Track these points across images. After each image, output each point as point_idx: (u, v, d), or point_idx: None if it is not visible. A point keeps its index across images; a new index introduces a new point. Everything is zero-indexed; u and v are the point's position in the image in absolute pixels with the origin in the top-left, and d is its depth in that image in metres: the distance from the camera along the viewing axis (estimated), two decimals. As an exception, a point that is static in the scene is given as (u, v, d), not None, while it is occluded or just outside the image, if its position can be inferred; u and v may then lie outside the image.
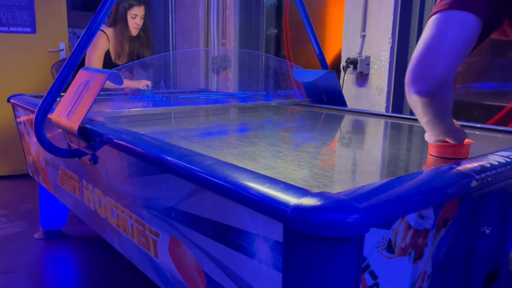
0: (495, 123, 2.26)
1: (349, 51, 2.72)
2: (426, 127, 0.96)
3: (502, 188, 1.00)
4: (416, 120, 1.80)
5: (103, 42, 2.65)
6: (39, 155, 2.05)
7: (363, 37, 2.62)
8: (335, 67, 2.99)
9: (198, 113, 2.09)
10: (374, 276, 0.75)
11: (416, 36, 2.52)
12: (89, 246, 2.33)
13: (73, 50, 1.50)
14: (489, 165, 0.95)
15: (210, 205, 0.91)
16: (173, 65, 4.31)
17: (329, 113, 2.12)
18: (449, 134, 1.00)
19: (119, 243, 1.42)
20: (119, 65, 2.69)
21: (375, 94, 2.61)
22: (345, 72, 2.70)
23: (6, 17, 3.36)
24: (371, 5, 2.56)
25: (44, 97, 1.51)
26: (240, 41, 3.82)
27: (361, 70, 2.61)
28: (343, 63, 2.74)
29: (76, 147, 1.49)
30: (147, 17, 2.76)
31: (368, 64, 2.61)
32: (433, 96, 0.81)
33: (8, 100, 2.24)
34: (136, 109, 1.78)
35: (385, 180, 0.83)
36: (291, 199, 0.70)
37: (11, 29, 3.39)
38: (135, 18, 2.66)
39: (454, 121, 0.99)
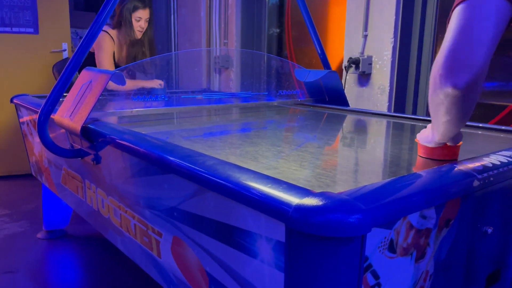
0: (497, 123, 2.25)
1: (351, 51, 2.72)
2: (442, 127, 0.92)
3: (504, 188, 1.00)
4: (418, 120, 1.80)
5: (109, 43, 2.64)
6: (42, 155, 2.06)
7: (365, 36, 2.62)
8: (337, 66, 2.99)
9: (200, 113, 2.09)
10: (376, 275, 0.76)
11: (418, 35, 2.52)
12: (92, 245, 2.34)
13: (76, 50, 1.51)
14: (491, 165, 0.95)
15: (212, 205, 0.91)
16: (175, 65, 4.32)
17: (331, 113, 2.12)
18: (457, 135, 0.99)
19: (122, 243, 1.42)
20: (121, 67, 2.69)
21: (377, 94, 2.61)
22: (347, 72, 2.70)
23: (9, 17, 3.37)
24: (373, 4, 2.56)
25: (47, 97, 1.51)
26: (242, 41, 3.82)
27: (363, 69, 2.61)
28: (345, 62, 2.74)
29: (79, 147, 1.50)
30: (150, 24, 2.75)
31: (370, 64, 2.61)
32: (469, 89, 0.78)
33: (11, 101, 2.24)
34: (138, 109, 1.79)
35: (387, 180, 0.83)
36: (293, 199, 0.71)
37: (13, 29, 3.40)
38: (140, 21, 2.66)
39: None
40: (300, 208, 0.68)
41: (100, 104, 1.64)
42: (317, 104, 2.28)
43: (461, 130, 1.00)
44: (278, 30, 3.72)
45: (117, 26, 2.67)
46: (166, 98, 2.18)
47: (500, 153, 1.05)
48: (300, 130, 1.78)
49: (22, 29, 3.43)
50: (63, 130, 1.59)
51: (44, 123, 1.50)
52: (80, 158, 1.54)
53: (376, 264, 0.75)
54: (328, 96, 2.29)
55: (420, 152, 1.11)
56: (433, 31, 2.50)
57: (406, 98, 2.63)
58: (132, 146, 1.18)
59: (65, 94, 1.57)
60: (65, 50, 3.58)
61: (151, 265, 1.24)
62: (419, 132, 1.12)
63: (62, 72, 1.51)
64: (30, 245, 2.33)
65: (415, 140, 1.13)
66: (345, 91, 2.35)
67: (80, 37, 4.66)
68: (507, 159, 1.01)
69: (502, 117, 2.26)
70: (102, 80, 1.47)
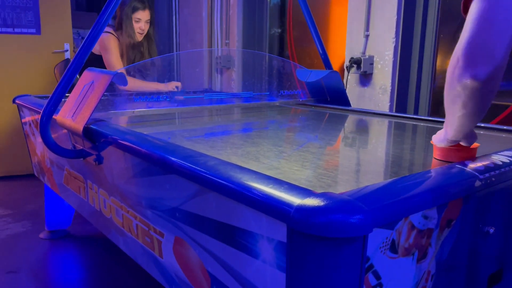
0: (499, 123, 2.25)
1: (352, 51, 2.72)
2: (457, 122, 0.90)
3: (506, 188, 0.99)
4: (419, 120, 1.80)
5: (114, 43, 2.63)
6: (44, 156, 2.07)
7: (367, 36, 2.62)
8: (339, 66, 2.99)
9: (201, 113, 2.09)
10: (377, 276, 0.76)
11: (420, 35, 2.52)
12: (94, 246, 2.34)
13: (78, 51, 1.51)
14: (493, 165, 0.95)
15: (214, 205, 0.92)
16: (176, 66, 4.32)
17: (332, 113, 2.12)
18: (471, 134, 0.97)
19: (124, 243, 1.42)
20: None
21: (378, 94, 2.61)
22: (348, 72, 2.70)
23: (11, 18, 3.38)
24: (375, 4, 2.56)
25: (49, 98, 1.52)
26: (244, 41, 3.82)
27: (364, 69, 2.61)
28: (346, 62, 2.74)
29: (81, 147, 1.50)
30: (152, 25, 2.73)
31: (372, 64, 2.61)
32: (488, 81, 0.77)
33: (14, 101, 2.25)
34: (140, 110, 1.79)
35: (389, 180, 0.83)
36: (295, 200, 0.71)
37: (16, 30, 3.41)
38: (139, 22, 2.63)
39: None
40: (301, 209, 0.68)
41: (102, 104, 1.64)
42: (318, 104, 2.28)
43: None
44: (279, 30, 3.72)
45: (119, 27, 2.67)
46: (168, 98, 2.18)
47: (502, 153, 1.05)
48: (301, 130, 1.78)
49: (24, 30, 3.44)
50: (65, 131, 1.59)
51: (46, 124, 1.51)
52: (82, 159, 1.54)
53: (377, 264, 0.75)
54: (329, 96, 2.29)
55: (436, 154, 1.07)
56: (434, 30, 2.49)
57: (408, 98, 2.62)
58: (134, 146, 1.18)
59: (67, 94, 1.58)
60: (67, 50, 3.58)
61: (153, 265, 1.24)
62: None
63: (64, 72, 1.52)
64: (32, 245, 2.33)
65: (431, 142, 1.10)
66: (346, 91, 2.35)
67: (82, 38, 4.67)
68: (509, 159, 1.00)
69: (504, 117, 2.26)
70: (104, 81, 1.47)
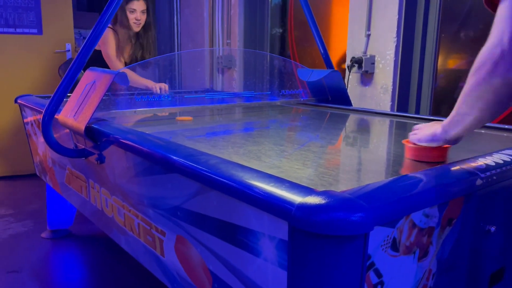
0: (500, 122, 2.25)
1: (354, 50, 2.72)
2: (475, 120, 0.86)
3: (507, 187, 1.00)
4: (421, 119, 1.80)
5: (112, 36, 2.61)
6: (46, 155, 2.07)
7: (368, 36, 2.62)
8: (340, 66, 2.99)
9: (203, 113, 2.10)
10: (378, 274, 0.76)
11: (421, 35, 2.52)
12: (96, 245, 2.35)
13: (79, 50, 1.51)
14: (494, 164, 0.95)
15: (215, 204, 0.92)
16: (178, 65, 4.33)
17: (334, 112, 2.12)
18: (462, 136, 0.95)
19: (125, 242, 1.43)
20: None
21: (380, 93, 2.61)
22: (350, 71, 2.70)
23: (13, 18, 3.39)
24: (376, 4, 2.56)
25: (51, 97, 1.52)
26: (245, 41, 3.82)
27: (366, 69, 2.61)
28: (348, 62, 2.74)
29: (83, 147, 1.51)
30: (154, 23, 2.72)
31: (373, 63, 2.61)
32: None
33: (16, 101, 2.26)
34: (141, 109, 1.79)
35: (390, 178, 0.83)
36: (296, 198, 0.71)
37: (17, 30, 3.42)
38: (134, 12, 2.59)
39: None
40: (303, 207, 0.69)
41: (104, 104, 1.64)
42: (320, 103, 2.28)
43: None
44: (281, 30, 3.72)
45: (115, 20, 2.64)
46: (169, 98, 2.19)
47: (503, 152, 1.05)
48: (303, 130, 1.78)
49: (26, 30, 3.44)
50: (67, 130, 1.60)
51: (48, 123, 1.51)
52: (84, 158, 1.54)
53: (378, 262, 0.75)
54: (331, 96, 2.29)
55: (410, 154, 1.07)
56: (436, 30, 2.49)
57: (409, 98, 2.62)
58: (136, 145, 1.18)
59: (69, 94, 1.58)
60: (68, 50, 3.59)
61: (154, 264, 1.24)
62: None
63: (66, 72, 1.52)
64: (34, 244, 2.34)
65: (404, 142, 1.09)
66: (348, 90, 2.35)
67: (84, 38, 4.68)
68: (510, 158, 1.01)
69: (505, 116, 2.25)
70: (106, 80, 1.48)
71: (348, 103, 2.23)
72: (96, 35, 1.51)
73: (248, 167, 0.89)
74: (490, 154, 1.02)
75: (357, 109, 2.14)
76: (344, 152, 1.38)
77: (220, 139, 1.52)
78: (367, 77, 2.67)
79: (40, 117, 1.63)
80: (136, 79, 2.50)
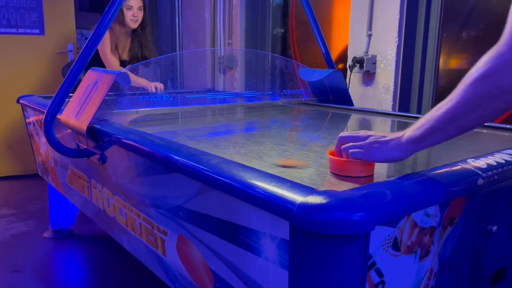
0: (502, 122, 2.24)
1: (355, 50, 2.71)
2: (461, 128, 0.77)
3: (509, 186, 0.99)
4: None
5: (107, 33, 2.61)
6: (48, 155, 2.08)
7: (369, 36, 2.62)
8: (341, 65, 2.99)
9: (205, 112, 2.10)
10: (380, 273, 0.76)
11: (423, 34, 2.52)
12: (98, 245, 2.35)
13: (81, 51, 1.52)
14: (495, 163, 0.95)
15: (217, 203, 0.92)
16: (179, 65, 4.33)
17: (335, 112, 2.12)
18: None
19: (127, 242, 1.43)
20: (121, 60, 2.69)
21: (381, 93, 2.61)
22: (351, 71, 2.70)
23: (15, 18, 3.39)
24: (377, 4, 2.56)
25: (53, 98, 1.53)
26: (247, 41, 3.83)
27: (367, 69, 2.60)
28: (349, 62, 2.74)
29: (85, 147, 1.51)
30: (153, 18, 2.72)
31: (375, 63, 2.61)
32: None
33: (18, 101, 2.26)
34: (143, 109, 1.80)
35: (391, 178, 0.83)
36: (297, 198, 0.71)
37: (20, 30, 3.43)
38: (131, 9, 2.58)
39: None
40: (304, 206, 0.69)
41: (105, 104, 1.65)
42: (321, 103, 2.28)
43: None
44: (282, 30, 3.72)
45: None
46: (171, 98, 2.19)
47: (505, 151, 1.05)
48: (304, 130, 1.78)
49: (28, 30, 3.45)
50: (69, 130, 1.60)
51: (50, 123, 1.52)
52: (86, 158, 1.55)
53: (380, 262, 0.75)
54: (332, 96, 2.29)
55: (334, 168, 0.95)
56: (437, 30, 2.49)
57: (411, 97, 2.62)
58: (138, 145, 1.19)
59: (71, 94, 1.58)
60: (70, 51, 3.60)
61: (156, 263, 1.25)
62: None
63: (68, 72, 1.53)
64: (36, 244, 2.35)
65: (328, 154, 0.99)
66: (349, 90, 2.35)
67: (86, 38, 4.68)
68: (511, 158, 1.00)
69: (507, 116, 2.25)
70: (108, 80, 1.48)
71: (350, 103, 2.23)
72: (98, 36, 1.52)
73: (249, 167, 0.89)
74: (491, 153, 1.02)
75: (359, 109, 2.14)
76: (345, 152, 1.38)
77: (221, 139, 1.52)
78: (368, 77, 2.67)
79: (42, 117, 1.63)
80: (132, 78, 2.51)
